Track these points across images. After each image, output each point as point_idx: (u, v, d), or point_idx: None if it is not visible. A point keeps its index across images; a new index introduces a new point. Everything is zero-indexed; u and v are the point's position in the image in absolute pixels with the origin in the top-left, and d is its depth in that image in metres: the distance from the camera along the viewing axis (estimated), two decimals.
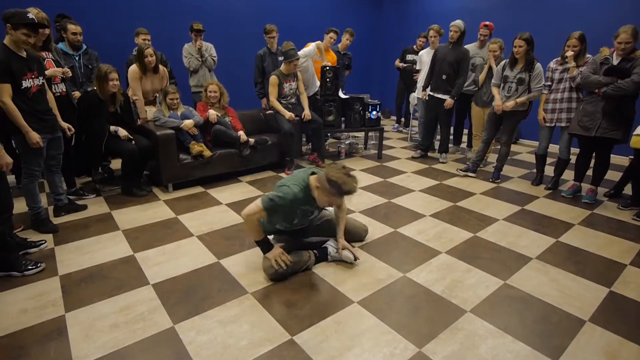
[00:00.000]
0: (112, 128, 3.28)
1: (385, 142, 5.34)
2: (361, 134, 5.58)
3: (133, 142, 3.33)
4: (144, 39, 4.01)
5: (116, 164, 3.99)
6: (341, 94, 4.67)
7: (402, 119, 6.57)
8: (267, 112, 4.33)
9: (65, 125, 2.86)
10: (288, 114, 4.06)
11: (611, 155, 3.43)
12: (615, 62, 3.13)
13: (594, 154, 3.47)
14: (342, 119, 4.66)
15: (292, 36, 4.82)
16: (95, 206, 3.22)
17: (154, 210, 3.16)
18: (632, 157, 3.39)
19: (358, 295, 2.07)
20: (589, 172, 3.57)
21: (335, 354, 1.67)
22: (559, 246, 2.67)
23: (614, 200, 3.52)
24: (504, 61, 3.77)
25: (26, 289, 2.11)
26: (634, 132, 3.09)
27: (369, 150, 5.17)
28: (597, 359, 1.67)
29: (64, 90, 3.06)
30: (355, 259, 2.34)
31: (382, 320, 1.88)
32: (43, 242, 2.55)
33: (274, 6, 6.19)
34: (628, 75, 3.01)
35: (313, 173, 2.20)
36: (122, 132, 3.28)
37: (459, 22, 4.20)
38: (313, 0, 6.69)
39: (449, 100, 4.34)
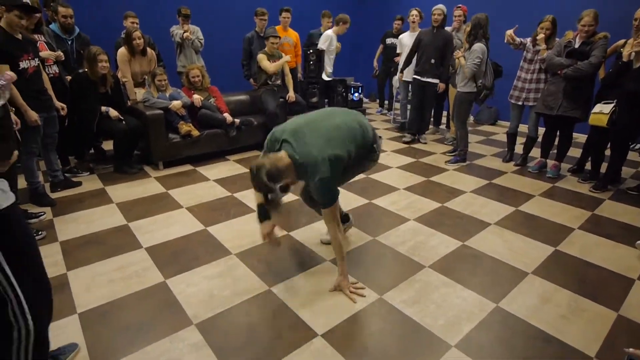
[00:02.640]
0: (104, 108, 3.44)
1: None
2: None
3: (124, 122, 3.50)
4: (132, 22, 4.14)
5: (108, 144, 4.16)
6: (324, 77, 4.85)
7: (386, 102, 6.76)
8: (257, 88, 4.47)
9: (59, 104, 3.02)
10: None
11: (575, 133, 3.69)
12: (577, 45, 3.35)
13: (558, 132, 3.73)
14: (326, 100, 4.84)
15: (277, 21, 4.97)
16: (89, 183, 3.41)
17: (146, 186, 3.36)
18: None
19: (329, 255, 2.32)
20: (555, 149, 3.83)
21: (307, 300, 1.92)
22: (517, 214, 2.93)
23: (576, 175, 3.79)
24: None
25: None
26: (592, 111, 3.33)
27: None
28: (533, 302, 1.94)
29: (57, 71, 3.21)
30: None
31: (350, 274, 2.13)
32: (42, 213, 2.75)
33: None
34: (587, 57, 3.23)
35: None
36: (113, 113, 3.45)
37: (441, 6, 4.33)
38: None
39: (442, 85, 4.51)
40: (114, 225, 2.66)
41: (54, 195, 3.09)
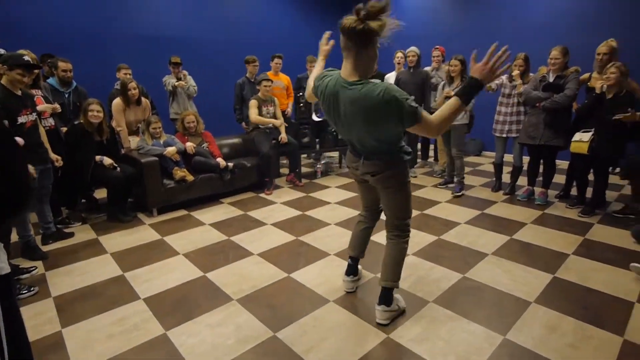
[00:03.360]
0: (98, 157, 3.46)
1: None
2: (336, 154, 5.89)
3: (118, 169, 3.51)
4: (125, 73, 4.27)
5: (99, 193, 4.14)
6: (315, 117, 5.00)
7: None
8: (249, 132, 4.59)
9: (54, 156, 3.03)
10: (276, 122, 4.44)
11: (558, 160, 3.84)
12: (551, 79, 3.58)
13: (542, 161, 3.88)
14: (317, 140, 4.96)
15: (267, 65, 5.19)
16: (82, 233, 3.35)
17: (140, 234, 3.32)
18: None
19: (333, 295, 2.30)
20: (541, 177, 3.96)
21: (314, 344, 1.88)
22: (512, 242, 2.98)
23: (563, 200, 3.90)
24: (443, 82, 4.21)
25: (22, 310, 2.23)
26: (573, 139, 3.49)
27: (344, 169, 5.48)
28: (539, 332, 1.94)
29: (53, 124, 3.26)
30: None
31: (355, 314, 2.11)
32: (34, 268, 2.68)
33: (249, 36, 6.59)
34: (562, 90, 3.45)
35: None
36: (107, 161, 3.47)
37: (414, 48, 4.63)
38: (286, 32, 7.13)
39: None
40: (109, 277, 2.60)
41: (45, 248, 3.03)
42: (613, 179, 4.40)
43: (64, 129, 3.50)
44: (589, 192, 3.59)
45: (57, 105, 3.29)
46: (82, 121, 3.38)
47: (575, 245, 2.90)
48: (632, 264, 2.46)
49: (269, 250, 2.92)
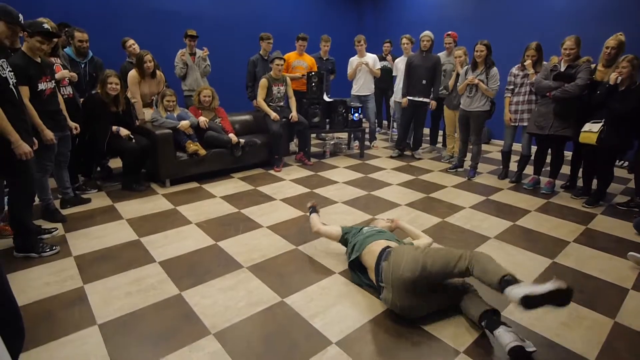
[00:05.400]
0: (114, 128, 3.55)
1: (367, 142, 5.69)
2: (345, 135, 5.92)
3: (134, 140, 3.61)
4: (131, 45, 4.32)
5: (114, 163, 4.26)
6: (326, 98, 5.03)
7: (384, 122, 6.96)
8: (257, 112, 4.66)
9: (72, 124, 3.13)
10: (273, 114, 4.39)
11: (567, 151, 3.87)
12: (562, 68, 3.57)
13: (550, 150, 3.91)
14: (327, 120, 5.00)
15: (281, 43, 5.19)
16: (98, 200, 3.48)
17: (154, 203, 3.44)
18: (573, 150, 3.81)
19: (339, 268, 2.40)
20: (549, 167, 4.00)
21: (320, 310, 2.00)
22: (515, 228, 3.06)
23: (569, 191, 3.94)
24: (467, 66, 4.20)
25: (46, 267, 2.38)
26: (582, 129, 3.51)
27: (352, 150, 5.53)
28: (535, 311, 1.97)
29: (71, 92, 3.33)
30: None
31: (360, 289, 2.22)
32: (54, 229, 2.81)
33: (263, 14, 6.55)
34: (573, 79, 3.45)
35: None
36: (124, 132, 3.56)
37: (429, 33, 4.62)
38: (299, 11, 7.08)
39: (434, 103, 4.81)
40: (126, 241, 2.73)
41: (64, 212, 3.16)
42: (620, 172, 4.44)
43: (81, 100, 3.58)
44: (595, 184, 3.63)
45: (74, 74, 3.36)
46: (99, 92, 3.46)
47: (577, 234, 2.97)
48: (629, 253, 2.53)
49: (278, 224, 3.03)
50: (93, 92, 3.53)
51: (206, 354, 1.70)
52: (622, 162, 4.80)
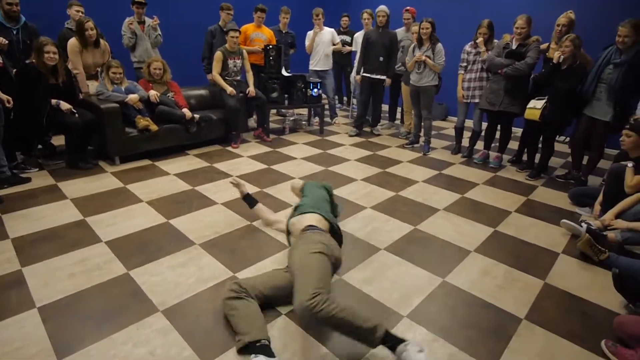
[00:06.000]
0: (54, 101, 3.30)
1: (327, 119, 5.68)
2: (305, 111, 5.87)
3: (77, 115, 3.38)
4: (78, 11, 3.96)
5: (57, 140, 3.98)
6: (285, 72, 4.93)
7: (345, 98, 6.95)
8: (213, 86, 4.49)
9: (4, 97, 2.87)
10: (229, 89, 4.25)
11: (515, 128, 4.06)
12: (514, 46, 3.70)
13: (499, 126, 4.09)
14: (286, 95, 4.92)
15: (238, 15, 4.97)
16: (40, 179, 3.26)
17: (102, 181, 3.28)
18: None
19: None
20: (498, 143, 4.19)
21: None
22: (463, 200, 3.21)
23: (515, 165, 4.17)
24: (414, 44, 4.25)
25: None
26: (527, 106, 3.69)
27: (312, 126, 5.51)
28: (474, 275, 2.18)
29: (1, 62, 3.04)
30: None
31: None
32: None
33: None
34: (523, 57, 3.58)
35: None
36: (65, 106, 3.32)
37: (384, 7, 4.59)
38: None
39: (388, 80, 4.78)
40: (70, 221, 2.60)
41: (0, 192, 2.94)
42: (560, 147, 4.73)
43: (14, 71, 3.28)
44: (538, 158, 3.86)
45: (2, 39, 3.05)
46: (34, 61, 3.18)
47: (519, 204, 3.17)
48: (562, 221, 2.74)
49: (233, 200, 2.99)
50: (27, 61, 3.23)
51: (154, 331, 1.68)
52: (565, 137, 5.11)
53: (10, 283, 1.95)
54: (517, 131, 4.60)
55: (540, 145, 3.84)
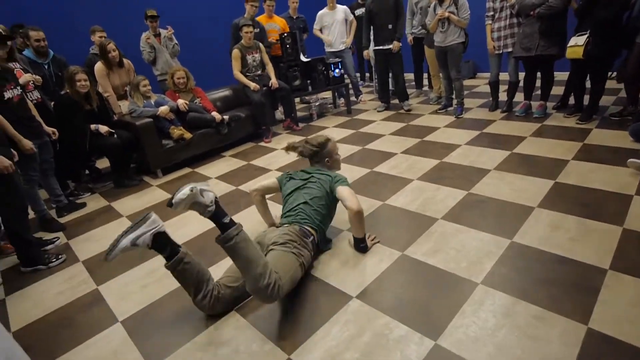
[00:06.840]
0: (93, 126, 3.42)
1: (352, 98, 5.57)
2: (329, 94, 5.78)
3: (115, 136, 3.49)
4: (101, 36, 4.07)
5: (101, 163, 4.15)
6: (303, 58, 4.85)
7: (367, 74, 6.78)
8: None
9: (49, 129, 3.00)
10: (252, 85, 4.23)
11: (555, 72, 3.79)
12: None
13: (538, 73, 3.83)
14: (308, 81, 4.85)
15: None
16: (94, 202, 3.42)
17: (150, 195, 3.39)
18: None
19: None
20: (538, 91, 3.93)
21: (333, 270, 2.01)
22: (512, 156, 3.05)
23: (561, 111, 3.91)
24: (434, 2, 4.01)
25: (55, 277, 2.36)
26: (568, 44, 3.42)
27: (338, 108, 5.42)
28: (543, 232, 2.06)
29: (39, 97, 3.17)
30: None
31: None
32: (56, 239, 2.77)
33: None
34: None
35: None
36: (103, 128, 3.43)
37: None
38: None
39: (396, 44, 4.42)
40: None
41: (62, 220, 3.11)
42: (609, 83, 4.37)
43: (52, 103, 3.42)
44: (587, 99, 3.58)
45: (38, 77, 3.18)
46: (68, 91, 3.29)
47: (575, 152, 2.97)
48: (629, 160, 2.53)
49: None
50: (62, 92, 3.36)
51: (232, 329, 1.72)
52: (611, 72, 4.72)
53: (91, 302, 2.06)
54: (558, 75, 4.30)
55: (588, 86, 3.57)
